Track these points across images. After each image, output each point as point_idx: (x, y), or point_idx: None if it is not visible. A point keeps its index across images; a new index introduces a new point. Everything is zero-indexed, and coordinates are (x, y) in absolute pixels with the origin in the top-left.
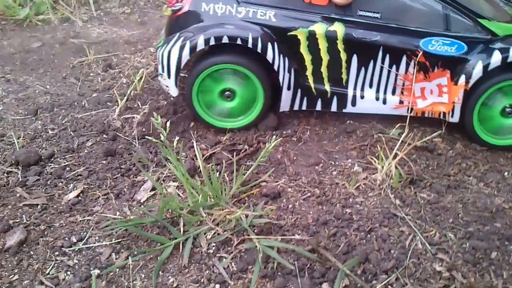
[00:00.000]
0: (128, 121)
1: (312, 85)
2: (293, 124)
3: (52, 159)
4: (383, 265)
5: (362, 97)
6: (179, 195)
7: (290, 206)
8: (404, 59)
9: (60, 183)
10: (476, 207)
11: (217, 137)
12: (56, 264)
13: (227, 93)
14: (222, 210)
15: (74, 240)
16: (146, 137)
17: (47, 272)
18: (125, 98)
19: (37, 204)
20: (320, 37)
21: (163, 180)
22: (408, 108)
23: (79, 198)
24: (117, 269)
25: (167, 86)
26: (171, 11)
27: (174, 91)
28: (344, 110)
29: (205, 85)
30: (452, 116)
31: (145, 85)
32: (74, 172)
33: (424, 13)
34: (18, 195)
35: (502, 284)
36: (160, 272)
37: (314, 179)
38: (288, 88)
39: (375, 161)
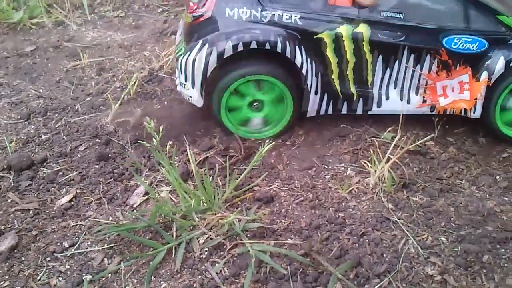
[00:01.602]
0: (121, 125)
1: (338, 88)
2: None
3: (45, 163)
4: (375, 269)
5: (387, 98)
6: (172, 199)
7: (283, 210)
8: (428, 58)
9: (53, 188)
10: (468, 210)
11: (210, 141)
12: (47, 270)
13: (255, 104)
14: (215, 214)
15: (66, 245)
16: (139, 141)
17: (38, 278)
18: (119, 102)
19: (29, 209)
20: (346, 39)
21: (156, 185)
22: (430, 107)
23: (72, 203)
24: (110, 274)
25: (190, 97)
26: (192, 17)
27: (199, 102)
28: (369, 112)
29: (231, 101)
30: (474, 112)
31: (138, 89)
32: (67, 176)
33: (445, 12)
34: (10, 200)
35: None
36: (152, 277)
37: (307, 183)
38: (316, 93)
39: (368, 165)
